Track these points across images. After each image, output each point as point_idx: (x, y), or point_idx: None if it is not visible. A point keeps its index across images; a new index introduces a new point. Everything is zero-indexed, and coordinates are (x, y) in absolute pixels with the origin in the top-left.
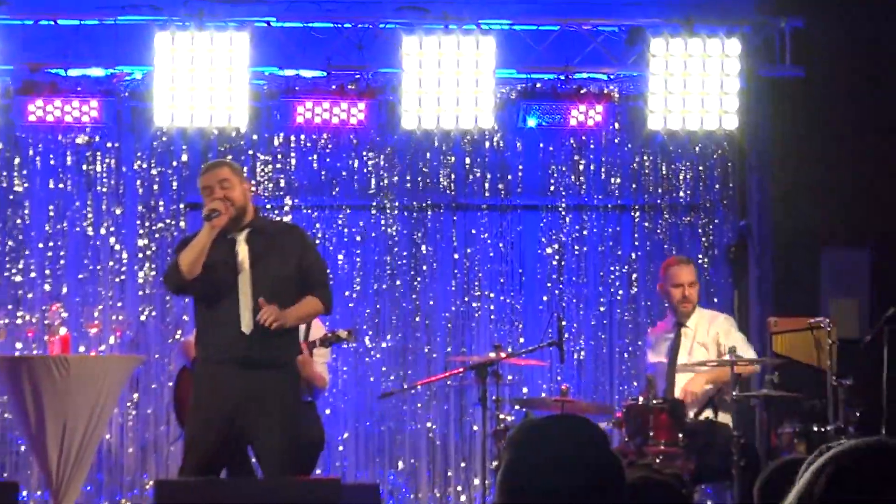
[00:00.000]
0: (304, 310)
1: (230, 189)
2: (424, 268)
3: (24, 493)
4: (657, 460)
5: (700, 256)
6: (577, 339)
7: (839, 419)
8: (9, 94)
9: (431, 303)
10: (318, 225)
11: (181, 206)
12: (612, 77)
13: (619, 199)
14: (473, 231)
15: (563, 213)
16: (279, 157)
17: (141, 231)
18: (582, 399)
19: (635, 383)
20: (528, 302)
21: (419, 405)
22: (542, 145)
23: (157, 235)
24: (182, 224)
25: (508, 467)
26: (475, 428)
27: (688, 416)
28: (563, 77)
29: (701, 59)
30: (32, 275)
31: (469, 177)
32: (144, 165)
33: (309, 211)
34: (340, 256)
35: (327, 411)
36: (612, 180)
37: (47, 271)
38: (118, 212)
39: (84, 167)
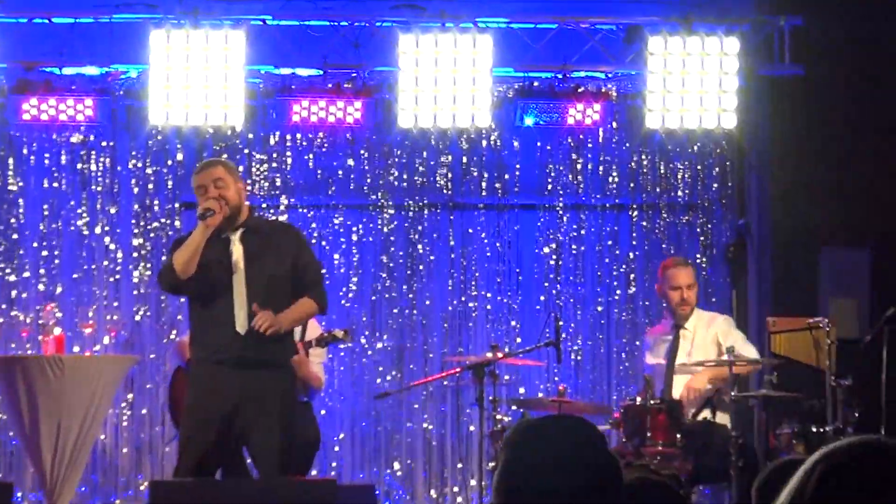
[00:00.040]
0: (298, 312)
1: (225, 188)
2: (421, 267)
3: (19, 494)
4: (655, 461)
5: (698, 256)
6: (575, 339)
7: (838, 420)
8: (3, 92)
9: (428, 302)
10: (314, 224)
11: (176, 205)
12: (609, 75)
13: (616, 199)
14: (470, 230)
15: (561, 212)
16: (275, 155)
17: (136, 230)
18: (579, 399)
19: (631, 386)
20: (526, 302)
21: (416, 405)
22: (539, 144)
23: (152, 235)
24: (177, 223)
25: (505, 468)
26: (472, 428)
27: (686, 417)
28: (560, 75)
29: (699, 58)
30: (26, 274)
31: (466, 176)
32: (139, 164)
33: (305, 210)
34: (336, 256)
35: (323, 412)
36: (610, 179)
37: (41, 271)
38: (113, 211)
39: (79, 166)
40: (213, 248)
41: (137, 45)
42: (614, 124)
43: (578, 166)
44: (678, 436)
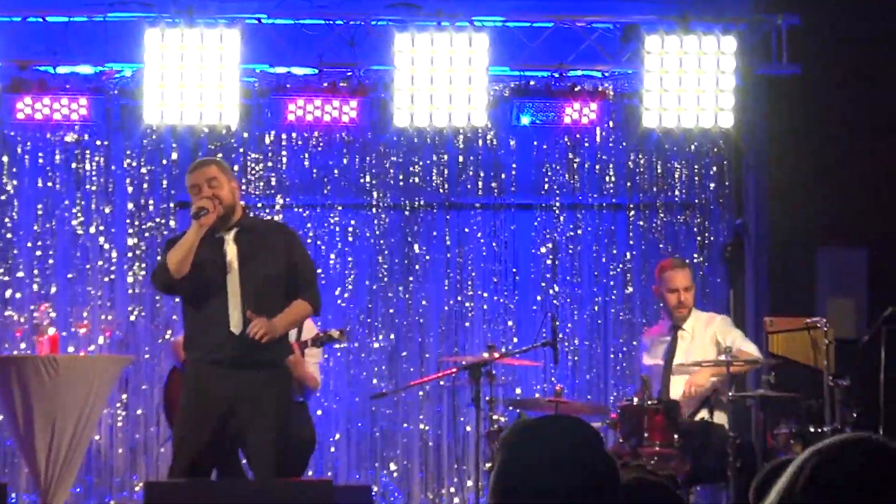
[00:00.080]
0: (293, 315)
1: (218, 188)
2: (417, 267)
3: (13, 495)
4: (652, 461)
5: (696, 256)
6: (572, 340)
7: (836, 420)
8: None
9: (424, 302)
10: (309, 224)
11: (171, 204)
12: (606, 74)
13: (613, 198)
14: (466, 230)
15: (558, 211)
16: (270, 155)
17: (130, 230)
18: (576, 400)
19: (628, 386)
20: (522, 302)
21: (412, 406)
22: (535, 143)
23: (146, 234)
24: (172, 223)
25: (501, 468)
26: (468, 429)
27: (684, 416)
28: (557, 74)
29: (696, 57)
30: (21, 274)
31: (462, 175)
32: (134, 164)
33: (300, 210)
34: (332, 255)
35: (319, 412)
36: (607, 179)
37: (36, 271)
38: (107, 210)
39: (73, 165)
40: (207, 247)
41: (132, 44)
42: (611, 123)
43: (575, 166)
44: (675, 436)
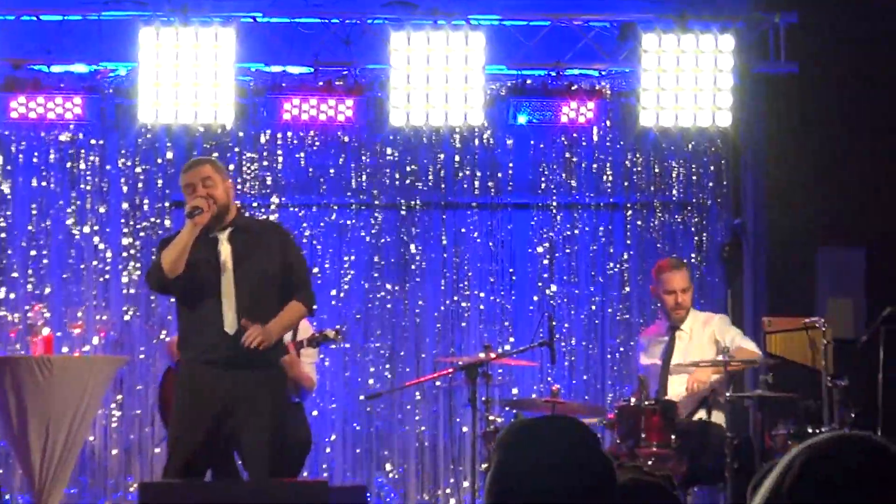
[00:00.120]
0: (288, 318)
1: (213, 187)
2: (413, 267)
3: (7, 496)
4: (649, 462)
5: (693, 255)
6: (569, 340)
7: (834, 420)
8: None
9: (420, 302)
10: (305, 223)
11: (166, 204)
12: (603, 73)
13: (611, 197)
14: (463, 230)
15: (554, 211)
16: (265, 154)
17: (125, 230)
18: (573, 400)
19: (624, 387)
20: (519, 301)
21: (408, 406)
22: (532, 142)
23: (141, 234)
24: (167, 223)
25: (498, 469)
26: (465, 429)
27: (681, 416)
28: (553, 73)
29: (694, 55)
30: (15, 274)
31: (458, 174)
32: (129, 163)
33: (296, 209)
34: (328, 255)
35: (314, 412)
36: (604, 178)
37: (30, 271)
38: (102, 210)
39: (67, 165)
40: (201, 247)
41: (126, 43)
42: (608, 122)
43: (572, 165)
44: (672, 437)
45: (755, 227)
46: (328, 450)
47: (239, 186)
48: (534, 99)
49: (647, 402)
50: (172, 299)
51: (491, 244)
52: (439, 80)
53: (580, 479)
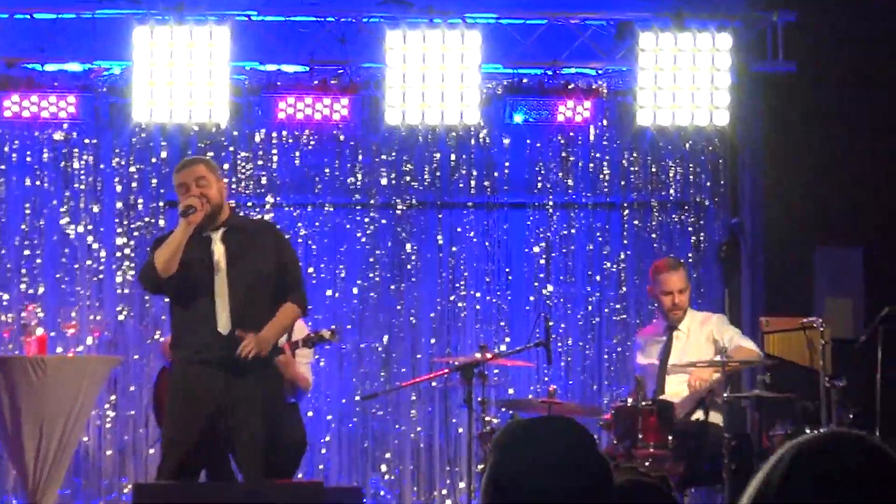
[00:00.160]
0: (282, 322)
1: (206, 187)
2: (409, 267)
3: (0, 497)
4: (646, 463)
5: (690, 255)
6: (565, 340)
7: (832, 421)
8: None
9: (416, 302)
10: (300, 223)
11: (160, 203)
12: (600, 72)
13: (607, 197)
14: (459, 229)
15: (551, 210)
16: (260, 153)
17: (119, 229)
18: (569, 400)
19: (621, 387)
20: (515, 301)
21: (403, 407)
22: (529, 142)
23: (135, 234)
24: (161, 222)
25: (494, 470)
26: (460, 430)
27: (679, 417)
28: (550, 72)
29: (691, 54)
30: (8, 274)
31: (454, 174)
32: (123, 162)
33: (291, 209)
34: (323, 255)
35: (309, 413)
36: (601, 177)
37: (23, 270)
38: (96, 210)
39: (61, 164)
40: (194, 247)
41: (120, 42)
42: (605, 121)
43: (569, 164)
44: (670, 437)
45: (753, 226)
46: (324, 450)
47: (234, 186)
48: (530, 98)
49: (644, 403)
50: (166, 299)
51: (487, 244)
52: (435, 79)
53: (577, 480)
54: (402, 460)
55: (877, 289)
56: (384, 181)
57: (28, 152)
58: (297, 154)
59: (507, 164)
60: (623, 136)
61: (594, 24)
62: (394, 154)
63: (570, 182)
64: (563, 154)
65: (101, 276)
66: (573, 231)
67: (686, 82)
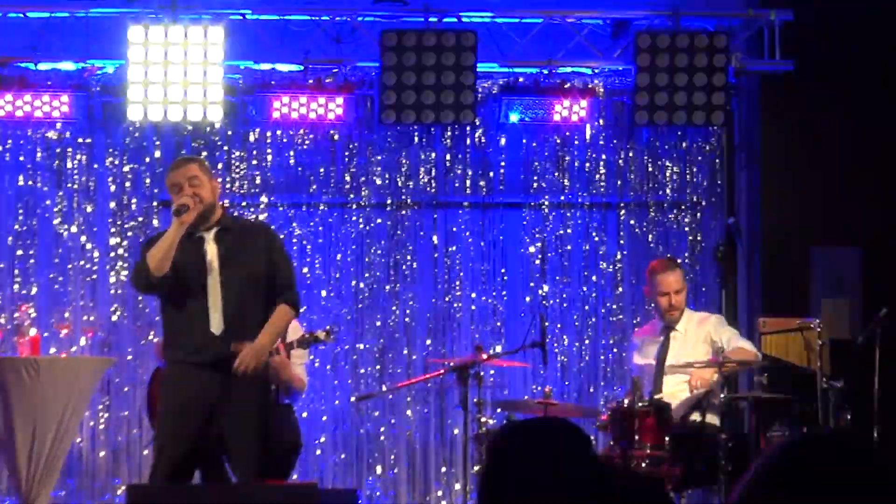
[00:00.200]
0: (277, 326)
1: (199, 186)
2: (404, 267)
3: None
4: (643, 464)
5: (687, 255)
6: (561, 340)
7: (830, 422)
8: None
9: (411, 303)
10: (294, 223)
11: (154, 203)
12: (596, 71)
13: (604, 197)
14: (454, 229)
15: (547, 210)
16: (255, 153)
17: (113, 229)
18: (566, 401)
19: (618, 388)
20: (511, 302)
21: (399, 408)
22: (524, 141)
23: (129, 234)
24: (155, 222)
25: (489, 476)
26: (456, 431)
27: (675, 418)
28: (546, 71)
29: (688, 53)
30: (1, 274)
31: (450, 174)
32: (116, 162)
33: (285, 208)
34: (317, 255)
35: (304, 414)
36: (597, 177)
37: (16, 270)
38: (89, 209)
39: (55, 163)
40: (186, 247)
41: (114, 40)
42: (601, 121)
43: (564, 164)
44: (667, 438)
45: (749, 226)
46: (319, 452)
47: (228, 185)
48: (526, 97)
49: (640, 404)
50: (158, 300)
51: (482, 244)
52: (430, 78)
53: (573, 483)
54: (398, 462)
55: (875, 289)
56: (379, 181)
57: (21, 152)
58: (292, 153)
59: (502, 163)
60: (619, 136)
61: (590, 22)
62: (389, 153)
63: (566, 182)
64: (559, 154)
65: (94, 277)
66: (569, 231)
67: (683, 82)
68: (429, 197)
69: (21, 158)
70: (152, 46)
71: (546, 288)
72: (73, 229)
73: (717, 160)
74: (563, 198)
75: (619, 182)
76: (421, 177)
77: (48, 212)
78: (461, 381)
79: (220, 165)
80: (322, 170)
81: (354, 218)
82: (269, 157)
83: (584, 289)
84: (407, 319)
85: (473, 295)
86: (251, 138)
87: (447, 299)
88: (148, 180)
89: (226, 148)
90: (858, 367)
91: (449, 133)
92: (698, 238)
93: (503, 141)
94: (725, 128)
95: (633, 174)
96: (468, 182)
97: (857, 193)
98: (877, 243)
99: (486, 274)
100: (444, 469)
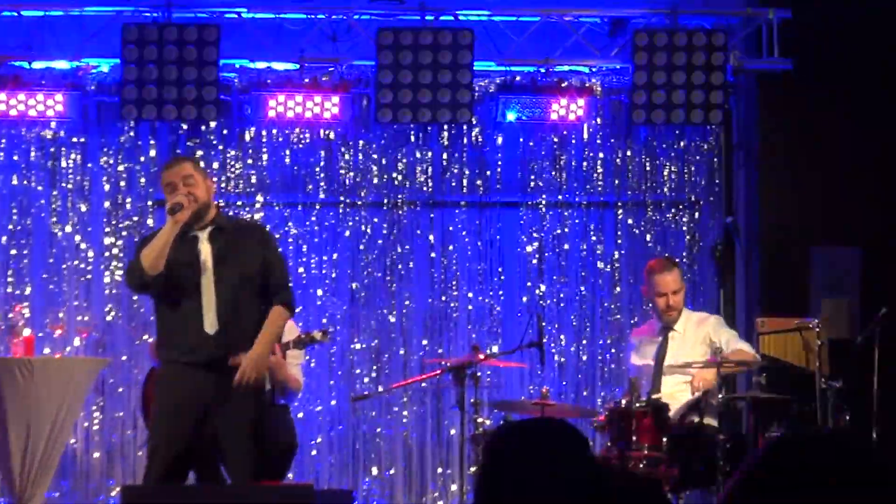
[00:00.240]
0: (273, 330)
1: (194, 185)
2: (400, 266)
3: None
4: (641, 465)
5: (685, 255)
6: (558, 340)
7: (829, 422)
8: None
9: (408, 303)
10: (290, 223)
11: (149, 203)
12: (594, 70)
13: (601, 196)
14: (451, 228)
15: (544, 209)
16: (250, 152)
17: (107, 229)
18: (563, 402)
19: (615, 388)
20: (508, 302)
21: (395, 408)
22: (521, 140)
23: (124, 233)
24: (150, 222)
25: (486, 477)
26: (453, 432)
27: (673, 418)
28: (543, 70)
29: (686, 52)
30: None
31: (446, 173)
32: (111, 161)
33: (281, 208)
34: (313, 255)
35: (300, 415)
36: (595, 176)
37: (10, 270)
38: (84, 209)
39: (49, 163)
40: (180, 246)
41: (109, 39)
42: (599, 120)
43: (562, 163)
44: (664, 439)
45: (748, 225)
46: (314, 452)
47: (223, 185)
48: (523, 96)
49: (638, 404)
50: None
51: (479, 243)
52: (427, 77)
53: (570, 484)
54: (394, 463)
55: (874, 289)
56: (375, 180)
57: (15, 151)
58: (288, 153)
59: (499, 162)
60: (617, 135)
61: (588, 21)
62: (385, 152)
63: (563, 181)
64: (557, 152)
65: (88, 277)
66: (566, 230)
67: (680, 80)
68: (425, 196)
69: (15, 158)
70: (147, 45)
71: (543, 287)
72: (68, 229)
73: (716, 159)
74: (560, 197)
75: (616, 181)
76: (417, 176)
77: (42, 211)
78: (458, 381)
79: (215, 165)
80: (318, 169)
81: (350, 217)
82: (265, 157)
83: (582, 288)
84: (403, 319)
85: (470, 295)
86: (247, 137)
87: (444, 299)
88: (143, 180)
89: (221, 147)
90: (857, 368)
91: (446, 132)
92: (696, 237)
93: (500, 140)
94: (723, 126)
95: (630, 173)
96: (465, 181)
97: (856, 193)
98: (876, 243)
99: (483, 273)
100: (440, 470)
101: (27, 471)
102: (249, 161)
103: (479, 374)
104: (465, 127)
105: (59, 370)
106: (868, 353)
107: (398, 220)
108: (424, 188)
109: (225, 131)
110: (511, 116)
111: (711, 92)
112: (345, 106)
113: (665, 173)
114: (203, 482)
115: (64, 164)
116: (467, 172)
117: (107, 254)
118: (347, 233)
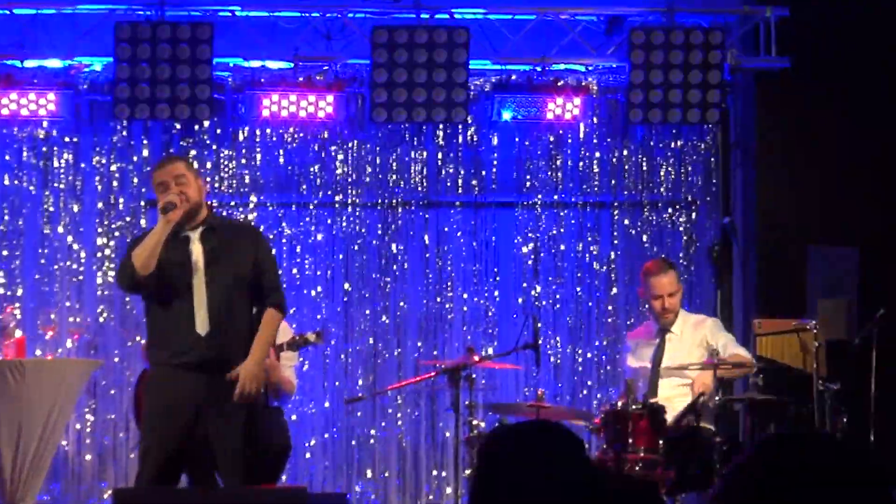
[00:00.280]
0: (268, 335)
1: (186, 185)
2: (395, 267)
3: None
4: (637, 468)
5: (681, 255)
6: (554, 342)
7: (826, 424)
8: None
9: (402, 304)
10: (284, 223)
11: (142, 203)
12: (590, 68)
13: (597, 196)
14: (446, 229)
15: (540, 210)
16: (244, 151)
17: (100, 229)
18: (558, 404)
19: (611, 390)
20: (503, 303)
21: (389, 410)
22: (517, 140)
23: (116, 234)
24: (143, 222)
25: (480, 480)
26: (447, 434)
27: (669, 421)
28: (539, 68)
29: (683, 50)
30: None
31: (441, 172)
32: (104, 161)
33: (274, 208)
34: (307, 255)
35: (293, 417)
36: (591, 176)
37: (2, 271)
38: (76, 209)
39: (41, 162)
40: (172, 247)
41: (102, 38)
42: (595, 119)
43: (558, 162)
44: (660, 442)
45: (745, 226)
46: (308, 455)
47: (217, 185)
48: (519, 95)
49: (634, 407)
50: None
51: (474, 244)
52: (422, 76)
53: (565, 487)
54: (388, 465)
55: (872, 289)
56: (370, 180)
57: (7, 151)
58: (282, 152)
59: (495, 162)
60: (613, 134)
61: (584, 19)
62: (379, 152)
63: (559, 181)
64: (553, 152)
65: (81, 277)
66: (562, 231)
67: (677, 79)
68: (420, 196)
69: (7, 157)
70: (140, 44)
71: (539, 288)
72: (60, 229)
73: (713, 158)
74: (556, 197)
75: (612, 181)
76: (412, 176)
77: (34, 211)
78: (453, 383)
79: (208, 164)
80: (312, 169)
81: (345, 217)
82: (259, 156)
83: (578, 289)
84: (397, 320)
85: (465, 296)
86: (240, 137)
87: (439, 300)
88: (135, 179)
89: (214, 147)
90: (855, 369)
91: (441, 131)
92: (693, 238)
93: (496, 139)
94: (721, 125)
95: (627, 173)
96: (460, 181)
97: (854, 192)
98: (874, 243)
99: (479, 274)
100: (434, 472)
101: (18, 473)
102: (243, 161)
103: (474, 375)
104: (460, 126)
105: (50, 372)
106: (866, 354)
107: (393, 220)
108: (419, 188)
109: (218, 130)
110: (507, 116)
111: (708, 91)
112: (339, 105)
113: (662, 173)
114: (195, 484)
115: (56, 163)
116: (462, 172)
117: (99, 254)
118: (342, 233)
